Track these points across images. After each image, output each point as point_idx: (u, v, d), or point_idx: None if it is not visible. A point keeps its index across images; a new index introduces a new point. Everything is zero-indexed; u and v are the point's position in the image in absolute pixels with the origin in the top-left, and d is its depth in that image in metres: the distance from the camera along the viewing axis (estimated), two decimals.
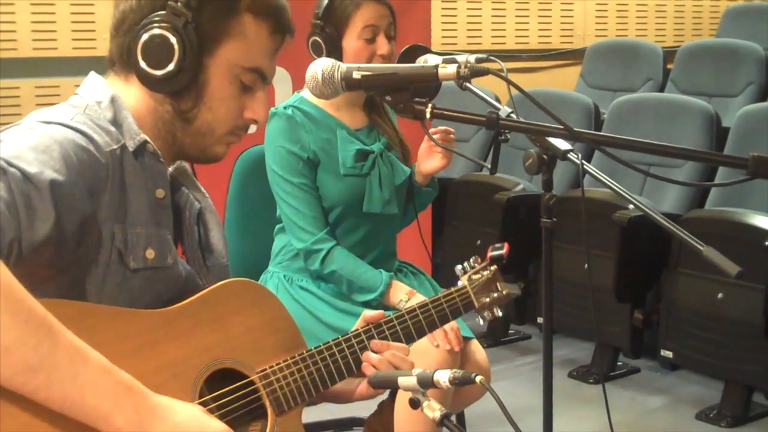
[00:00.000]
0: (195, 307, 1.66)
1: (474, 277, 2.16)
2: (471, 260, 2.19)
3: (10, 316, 1.29)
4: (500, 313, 2.20)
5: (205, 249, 1.81)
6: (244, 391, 1.70)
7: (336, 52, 2.81)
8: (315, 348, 1.83)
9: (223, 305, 1.70)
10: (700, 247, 1.77)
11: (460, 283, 2.15)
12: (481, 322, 2.21)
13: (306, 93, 2.93)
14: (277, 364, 1.75)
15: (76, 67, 5.44)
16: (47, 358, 1.32)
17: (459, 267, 2.18)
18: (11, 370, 1.30)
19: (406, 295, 2.83)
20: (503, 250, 2.18)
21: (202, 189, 1.84)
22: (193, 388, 1.61)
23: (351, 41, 2.82)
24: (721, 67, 6.27)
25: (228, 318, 1.70)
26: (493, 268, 2.19)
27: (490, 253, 2.20)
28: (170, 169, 1.77)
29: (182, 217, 1.77)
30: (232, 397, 1.68)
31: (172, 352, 1.59)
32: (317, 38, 2.83)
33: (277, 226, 3.00)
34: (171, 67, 1.61)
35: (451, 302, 2.10)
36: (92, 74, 1.71)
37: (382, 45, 2.82)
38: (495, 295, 2.17)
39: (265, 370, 1.73)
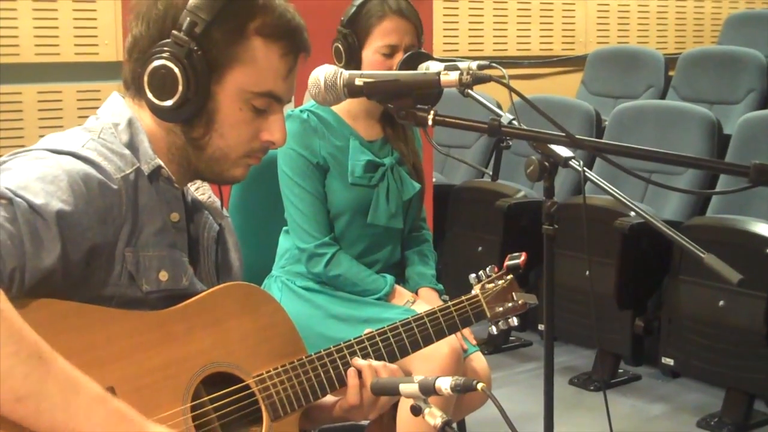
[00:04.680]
0: (192, 309, 1.65)
1: (488, 286, 2.15)
2: (487, 269, 2.18)
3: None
4: (516, 323, 2.20)
5: (222, 269, 1.81)
6: (241, 394, 1.69)
7: (354, 62, 2.82)
8: (315, 354, 1.81)
9: (220, 308, 1.69)
10: (702, 255, 1.77)
11: (473, 292, 2.14)
12: (494, 331, 2.19)
13: None
14: (274, 369, 1.74)
15: (78, 72, 5.46)
16: (36, 388, 1.32)
17: (473, 276, 2.17)
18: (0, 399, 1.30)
19: (412, 297, 2.85)
20: (520, 259, 2.17)
21: (224, 212, 1.84)
22: (186, 390, 1.60)
23: (369, 53, 2.84)
24: (723, 75, 6.28)
25: (225, 321, 1.69)
26: (509, 277, 2.18)
27: (507, 263, 2.19)
28: (192, 189, 1.77)
29: (200, 239, 1.76)
30: (228, 400, 1.67)
31: (165, 354, 1.59)
32: (339, 45, 2.85)
33: (283, 229, 3.01)
34: (176, 98, 1.60)
35: (461, 311, 2.09)
36: (114, 94, 1.71)
37: (398, 63, 2.80)
38: (510, 304, 2.16)
39: (262, 374, 1.72)
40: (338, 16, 2.89)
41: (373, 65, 2.82)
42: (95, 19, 5.46)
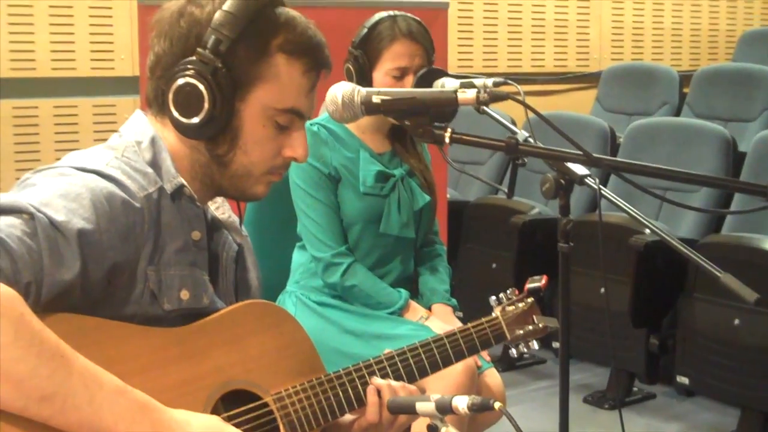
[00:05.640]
0: (211, 326, 1.65)
1: (508, 308, 2.15)
2: (508, 291, 2.18)
3: (22, 348, 1.31)
4: (536, 346, 2.19)
5: (241, 289, 1.82)
6: (259, 412, 1.69)
7: (365, 82, 2.84)
8: (333, 373, 1.81)
9: (240, 326, 1.69)
10: (719, 274, 1.76)
11: (493, 314, 2.14)
12: (515, 354, 2.19)
13: None
14: (292, 387, 1.74)
15: (94, 87, 5.49)
16: (61, 386, 1.34)
17: (493, 298, 2.17)
18: (25, 400, 1.32)
19: (426, 313, 2.85)
20: (541, 282, 2.17)
21: (244, 231, 1.84)
22: (204, 407, 1.60)
23: (380, 75, 2.86)
24: (738, 92, 6.26)
25: (245, 339, 1.69)
26: (529, 300, 2.18)
27: (528, 285, 2.19)
28: (212, 208, 1.77)
29: (219, 258, 1.76)
30: (247, 417, 1.67)
31: (183, 370, 1.59)
32: (350, 66, 2.88)
33: (297, 244, 3.01)
34: (201, 115, 1.60)
35: (481, 332, 2.09)
36: (137, 112, 1.71)
37: (408, 84, 2.82)
38: (530, 327, 2.15)
39: (280, 392, 1.72)
40: (350, 36, 2.90)
41: (384, 86, 2.83)
42: (111, 34, 5.49)
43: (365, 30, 2.88)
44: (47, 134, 5.37)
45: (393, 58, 2.84)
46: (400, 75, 2.84)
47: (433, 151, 3.02)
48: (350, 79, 2.86)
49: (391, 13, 2.91)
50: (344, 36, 2.92)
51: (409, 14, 2.92)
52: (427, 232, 3.07)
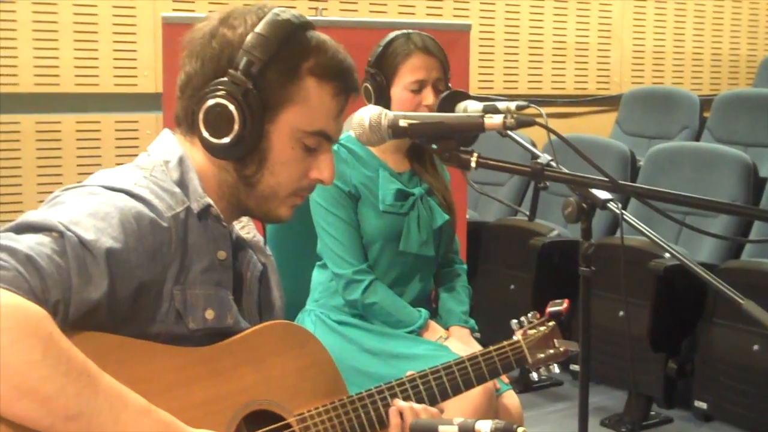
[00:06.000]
0: (236, 346, 1.66)
1: (530, 332, 2.15)
2: (529, 315, 2.18)
3: (51, 367, 1.32)
4: (557, 370, 2.20)
5: (264, 308, 1.83)
6: None
7: (384, 100, 2.86)
8: (356, 394, 1.82)
9: (264, 346, 1.70)
10: (740, 301, 1.76)
11: (514, 338, 2.14)
12: (536, 377, 2.20)
13: None
14: (315, 409, 1.75)
15: (117, 103, 5.53)
16: (88, 406, 1.35)
17: (515, 321, 2.17)
18: (52, 418, 1.33)
19: (445, 334, 2.86)
20: (562, 306, 2.17)
21: (268, 251, 1.85)
22: (227, 427, 1.61)
23: (398, 91, 2.88)
24: (758, 117, 6.24)
25: (268, 359, 1.70)
26: (551, 324, 2.18)
27: (549, 309, 2.19)
28: (237, 227, 1.79)
29: (243, 277, 1.77)
30: None
31: (207, 390, 1.60)
32: (367, 85, 2.90)
33: (317, 263, 3.02)
34: (231, 136, 1.62)
35: (503, 356, 2.10)
36: (165, 131, 1.73)
37: (428, 96, 2.85)
38: (551, 351, 2.16)
39: (303, 413, 1.73)
40: (365, 56, 2.92)
41: (403, 102, 2.86)
42: (135, 51, 5.53)
43: (380, 48, 2.91)
44: (69, 149, 5.41)
45: (410, 71, 2.86)
46: (418, 88, 2.86)
47: (451, 170, 3.03)
48: (369, 99, 2.89)
49: (405, 31, 2.95)
50: (364, 57, 2.95)
51: (423, 32, 2.95)
52: (447, 251, 3.08)
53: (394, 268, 2.94)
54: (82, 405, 1.34)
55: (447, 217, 2.98)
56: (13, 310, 1.30)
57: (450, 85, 2.92)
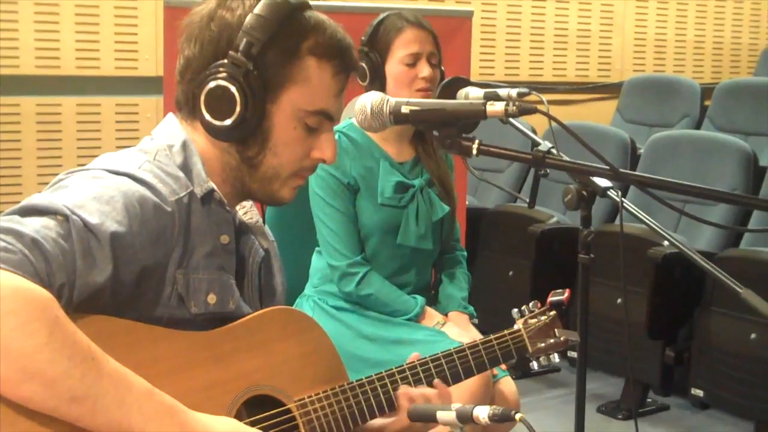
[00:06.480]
0: (237, 332, 1.66)
1: (530, 321, 2.15)
2: (530, 304, 2.19)
3: (56, 351, 1.33)
4: (557, 359, 2.21)
5: (265, 293, 1.82)
6: (282, 418, 1.70)
7: (379, 78, 2.86)
8: (356, 381, 1.82)
9: (265, 332, 1.70)
10: (739, 290, 1.77)
11: (515, 327, 2.14)
12: (536, 366, 2.21)
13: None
14: (315, 394, 1.75)
15: (118, 86, 5.52)
16: (92, 388, 1.36)
17: (515, 310, 2.18)
18: (57, 400, 1.34)
19: (442, 319, 2.86)
20: (563, 296, 2.18)
21: (270, 236, 1.85)
22: (228, 412, 1.61)
23: (393, 66, 2.87)
24: (759, 106, 6.24)
25: (270, 345, 1.70)
26: (552, 313, 2.19)
27: (550, 299, 2.20)
28: (239, 213, 1.79)
29: (245, 262, 1.78)
30: (269, 423, 1.68)
31: (208, 375, 1.60)
32: (362, 64, 2.88)
33: (316, 249, 3.02)
34: (233, 118, 1.62)
35: (503, 345, 2.10)
36: (170, 115, 1.73)
37: (423, 68, 2.85)
38: (552, 341, 2.16)
39: (303, 399, 1.73)
40: (357, 37, 2.93)
41: (399, 76, 2.86)
42: (136, 34, 5.53)
43: (372, 27, 2.91)
44: (70, 132, 5.41)
45: (404, 45, 2.86)
46: (413, 62, 2.86)
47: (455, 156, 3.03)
48: (363, 78, 2.88)
49: (395, 9, 2.96)
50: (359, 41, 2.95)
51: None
52: (447, 241, 3.08)
53: (392, 261, 2.94)
54: (87, 388, 1.35)
55: (447, 209, 2.98)
56: (20, 293, 1.31)
57: (443, 68, 2.92)
